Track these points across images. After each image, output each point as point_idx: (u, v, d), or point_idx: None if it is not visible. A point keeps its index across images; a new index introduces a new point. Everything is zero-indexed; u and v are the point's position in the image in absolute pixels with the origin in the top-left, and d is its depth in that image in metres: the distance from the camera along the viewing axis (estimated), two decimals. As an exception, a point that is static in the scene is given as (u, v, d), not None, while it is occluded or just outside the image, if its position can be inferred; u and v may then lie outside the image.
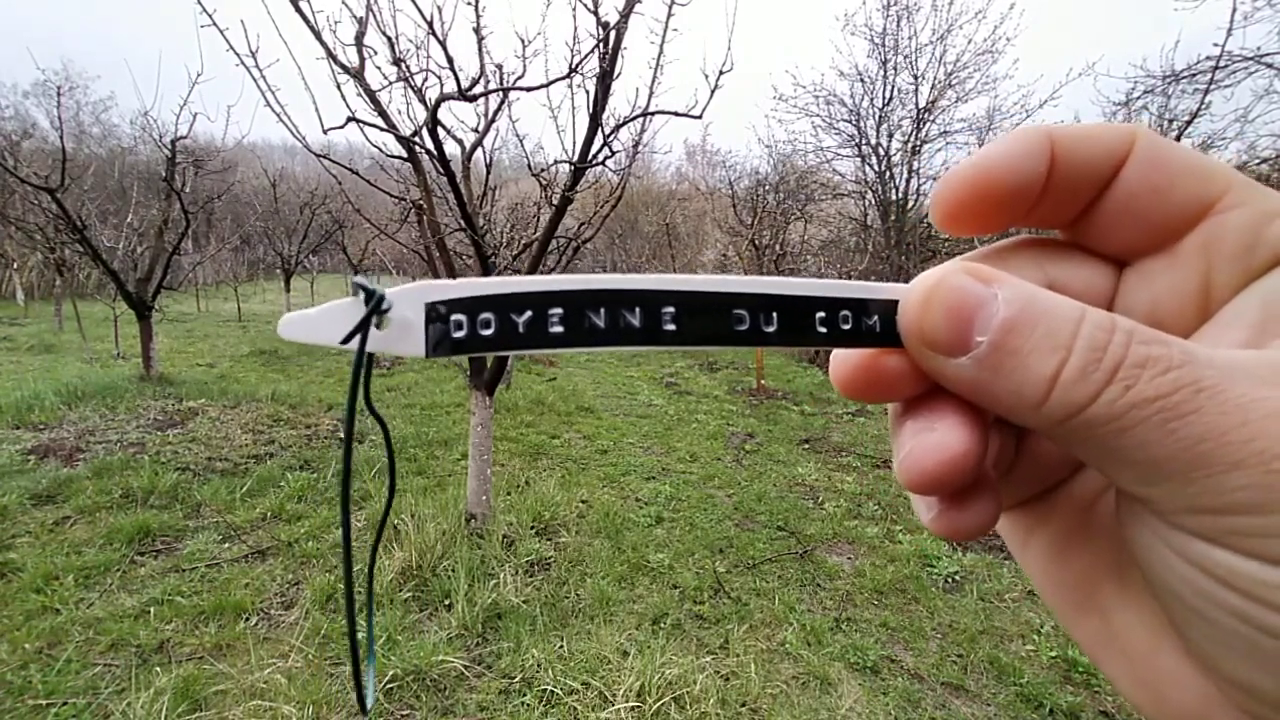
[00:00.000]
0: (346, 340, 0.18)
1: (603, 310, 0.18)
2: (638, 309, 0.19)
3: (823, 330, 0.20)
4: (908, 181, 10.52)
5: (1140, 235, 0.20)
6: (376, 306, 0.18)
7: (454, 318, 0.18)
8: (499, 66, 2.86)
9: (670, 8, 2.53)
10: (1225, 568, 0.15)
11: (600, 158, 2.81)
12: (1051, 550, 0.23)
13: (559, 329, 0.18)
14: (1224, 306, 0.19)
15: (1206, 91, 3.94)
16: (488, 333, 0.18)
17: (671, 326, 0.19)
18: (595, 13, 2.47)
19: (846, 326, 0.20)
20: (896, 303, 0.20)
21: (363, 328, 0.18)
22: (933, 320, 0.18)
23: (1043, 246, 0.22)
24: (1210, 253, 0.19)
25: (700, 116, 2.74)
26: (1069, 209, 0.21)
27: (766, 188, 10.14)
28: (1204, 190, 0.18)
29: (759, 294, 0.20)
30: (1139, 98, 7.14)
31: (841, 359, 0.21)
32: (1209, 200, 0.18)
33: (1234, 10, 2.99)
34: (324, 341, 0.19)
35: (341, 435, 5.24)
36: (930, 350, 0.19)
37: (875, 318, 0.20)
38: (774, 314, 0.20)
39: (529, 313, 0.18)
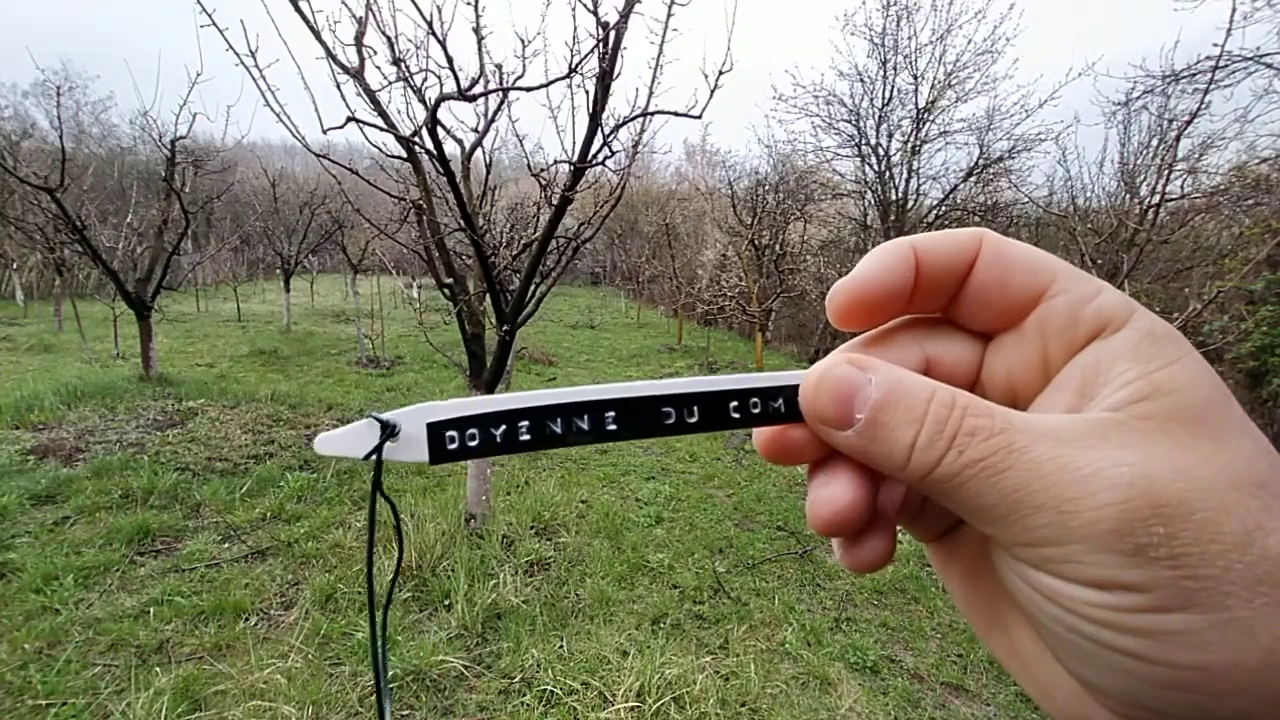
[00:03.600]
0: (367, 457, 0.23)
1: (559, 420, 0.23)
2: (586, 416, 0.23)
3: (736, 415, 0.25)
4: (907, 181, 10.52)
5: (993, 317, 0.25)
6: (391, 434, 0.23)
7: (448, 434, 0.23)
8: (499, 66, 2.86)
9: (670, 8, 2.53)
10: (1047, 587, 0.19)
11: (600, 158, 2.81)
12: (964, 577, 0.27)
13: (526, 436, 0.23)
14: (1058, 373, 0.23)
15: (1206, 91, 3.93)
16: (473, 443, 0.23)
17: (613, 426, 0.24)
18: (595, 13, 2.47)
19: (756, 410, 0.25)
20: (797, 387, 0.24)
21: (379, 449, 0.24)
22: (823, 402, 0.23)
23: (923, 325, 0.26)
24: (1044, 331, 0.23)
25: (700, 116, 2.73)
26: (938, 300, 0.25)
27: (766, 188, 10.14)
28: (1035, 281, 0.23)
29: (680, 394, 0.24)
30: (1139, 98, 7.14)
31: (761, 432, 0.26)
32: (1040, 289, 0.23)
33: (1234, 10, 2.98)
34: (351, 455, 0.24)
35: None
36: (823, 425, 0.23)
37: (780, 400, 0.25)
38: (694, 407, 0.24)
39: (503, 426, 0.23)
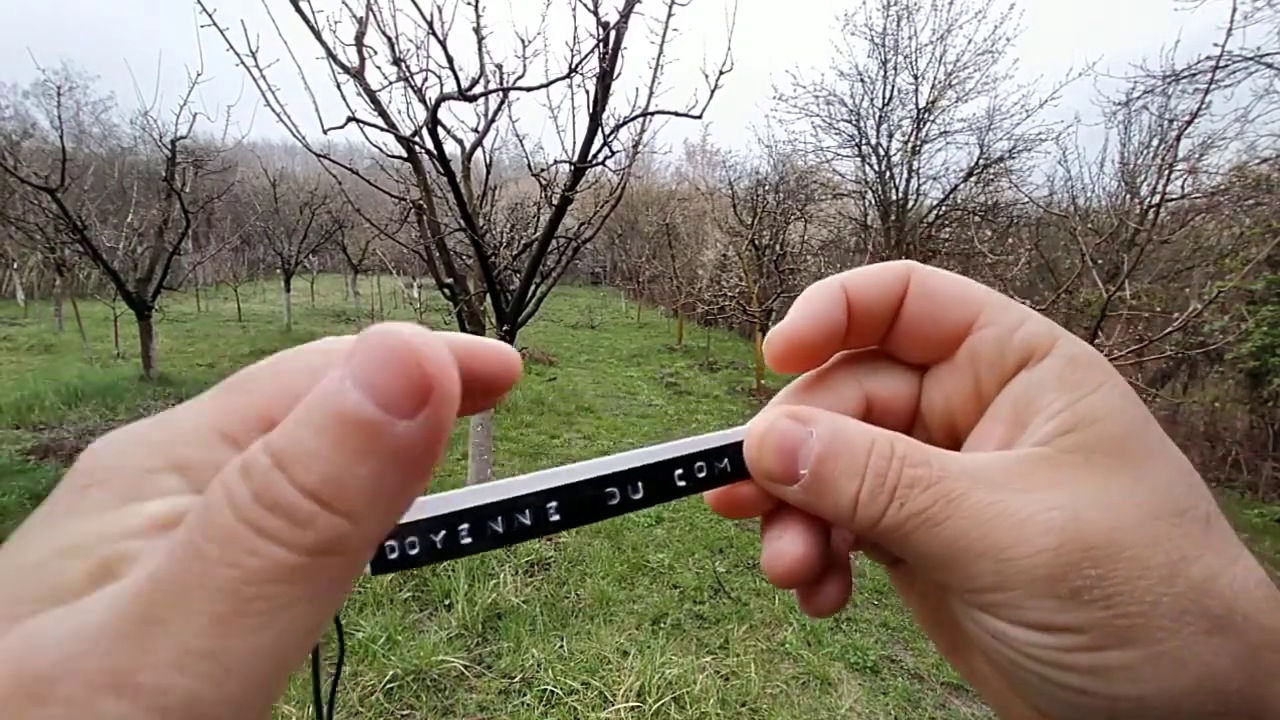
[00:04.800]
0: None
1: (500, 518, 0.22)
2: (527, 511, 0.22)
3: (682, 484, 0.24)
4: (907, 181, 10.51)
5: (927, 349, 0.25)
6: None
7: (387, 543, 0.22)
8: (499, 66, 2.87)
9: (670, 8, 2.53)
10: (994, 629, 0.20)
11: (600, 158, 2.82)
12: (925, 603, 0.27)
13: (468, 540, 0.22)
14: (991, 403, 0.23)
15: (1206, 91, 3.94)
16: (414, 551, 0.22)
17: (556, 517, 0.23)
18: (595, 13, 2.47)
19: (702, 475, 0.24)
20: (741, 444, 0.24)
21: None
22: (768, 460, 0.23)
23: (861, 360, 0.27)
24: (975, 362, 0.24)
25: (700, 116, 2.74)
26: (872, 336, 0.26)
27: (766, 188, 10.14)
28: (964, 313, 0.24)
29: (623, 471, 0.23)
30: (1139, 98, 7.15)
31: (712, 491, 0.26)
32: (968, 320, 0.23)
33: (1234, 10, 2.99)
34: None
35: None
36: (770, 481, 0.23)
37: (726, 460, 0.25)
38: (639, 483, 0.24)
39: (443, 532, 0.22)
